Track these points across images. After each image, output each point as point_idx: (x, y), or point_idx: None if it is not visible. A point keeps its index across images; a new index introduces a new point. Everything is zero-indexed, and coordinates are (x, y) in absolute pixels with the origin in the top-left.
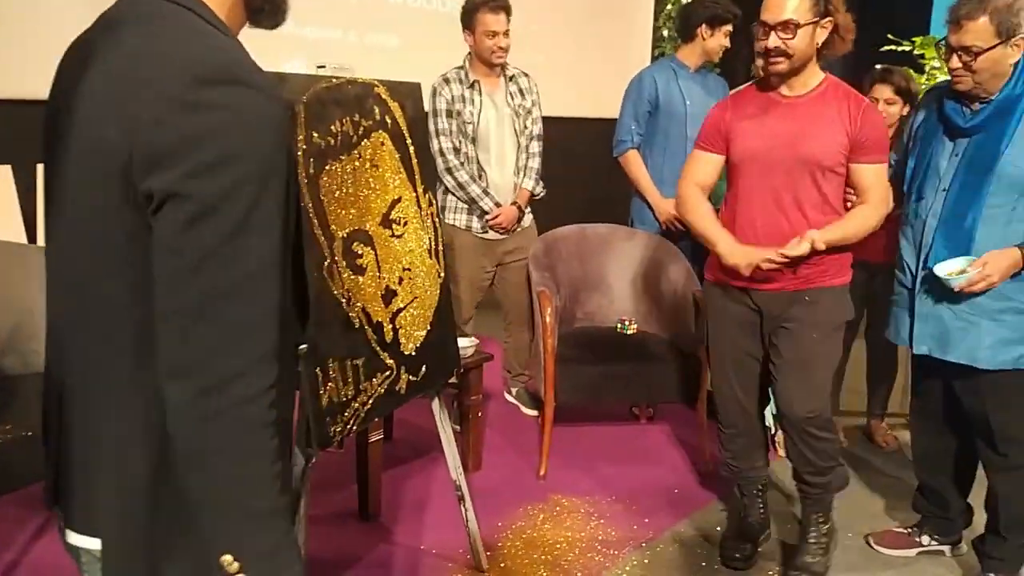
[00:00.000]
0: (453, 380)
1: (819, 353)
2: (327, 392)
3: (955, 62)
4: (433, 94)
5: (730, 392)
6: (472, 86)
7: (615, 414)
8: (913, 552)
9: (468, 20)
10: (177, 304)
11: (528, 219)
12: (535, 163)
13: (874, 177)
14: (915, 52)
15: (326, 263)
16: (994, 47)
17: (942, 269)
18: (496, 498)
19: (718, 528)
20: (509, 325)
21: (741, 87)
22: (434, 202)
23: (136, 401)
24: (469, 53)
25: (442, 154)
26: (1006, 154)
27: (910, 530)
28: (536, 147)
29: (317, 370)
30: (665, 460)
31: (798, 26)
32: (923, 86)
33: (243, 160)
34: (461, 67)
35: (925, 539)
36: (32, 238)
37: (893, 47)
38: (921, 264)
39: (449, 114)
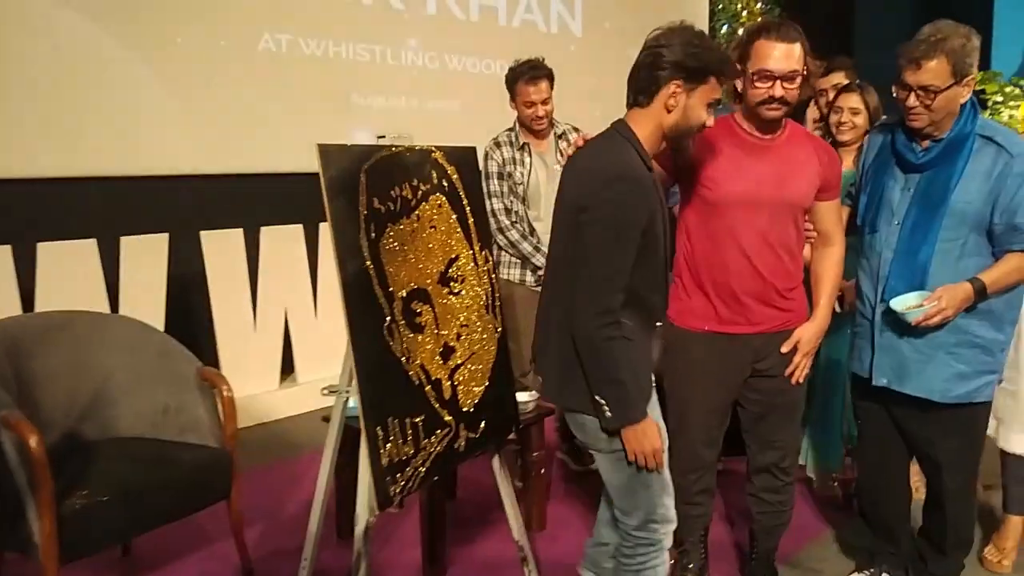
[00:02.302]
0: (512, 436)
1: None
2: (387, 452)
3: (912, 100)
4: (485, 157)
5: (705, 437)
6: (523, 148)
7: None
8: None
9: (511, 89)
10: (588, 275)
11: None
12: None
13: (837, 213)
14: (977, 88)
15: (386, 323)
16: (950, 87)
17: (898, 304)
18: (562, 559)
19: None
20: None
21: None
22: (490, 259)
23: (565, 314)
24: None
25: (494, 215)
26: (956, 191)
27: (869, 573)
28: None
29: (378, 429)
30: (737, 510)
31: (803, 77)
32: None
33: (611, 219)
34: (512, 129)
35: None
36: (115, 308)
37: None
38: (880, 296)
39: (500, 176)
